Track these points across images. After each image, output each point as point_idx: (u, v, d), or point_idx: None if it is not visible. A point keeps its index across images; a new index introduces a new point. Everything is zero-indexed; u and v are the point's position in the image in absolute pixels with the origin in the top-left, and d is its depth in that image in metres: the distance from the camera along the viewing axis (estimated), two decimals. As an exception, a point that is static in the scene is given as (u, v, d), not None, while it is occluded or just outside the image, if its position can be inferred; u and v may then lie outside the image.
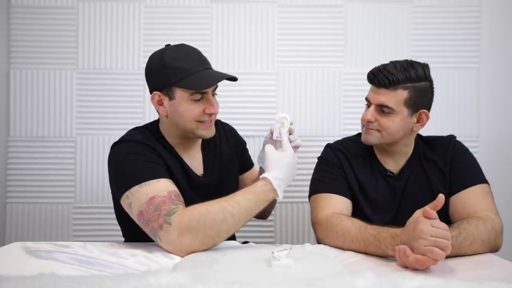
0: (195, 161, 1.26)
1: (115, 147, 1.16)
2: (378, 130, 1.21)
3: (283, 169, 1.08)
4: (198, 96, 1.13)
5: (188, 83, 1.10)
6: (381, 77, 1.16)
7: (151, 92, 1.18)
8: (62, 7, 1.83)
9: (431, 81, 1.21)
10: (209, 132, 1.19)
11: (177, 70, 1.11)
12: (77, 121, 1.84)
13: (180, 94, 1.13)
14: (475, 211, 1.12)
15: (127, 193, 1.05)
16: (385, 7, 1.86)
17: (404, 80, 1.15)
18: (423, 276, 0.73)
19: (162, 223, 0.98)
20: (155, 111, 1.81)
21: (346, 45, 1.87)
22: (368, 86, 1.25)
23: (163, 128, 1.23)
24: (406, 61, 1.19)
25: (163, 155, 1.16)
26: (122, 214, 1.13)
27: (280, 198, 1.07)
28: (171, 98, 1.14)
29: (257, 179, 1.31)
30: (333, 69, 1.87)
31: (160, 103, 1.17)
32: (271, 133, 1.24)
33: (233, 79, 1.18)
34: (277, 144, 1.25)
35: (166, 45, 1.20)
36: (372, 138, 1.22)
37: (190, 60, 1.14)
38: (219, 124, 1.38)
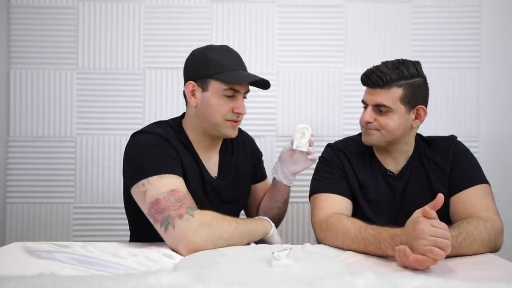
0: (211, 162, 1.26)
1: (136, 136, 1.18)
2: (378, 130, 1.21)
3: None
4: (230, 93, 1.16)
5: (226, 77, 1.15)
6: (375, 78, 1.18)
7: (185, 82, 1.21)
8: (62, 7, 1.83)
9: (424, 77, 1.22)
10: (234, 132, 1.21)
11: (217, 64, 1.16)
12: (77, 121, 1.84)
13: (214, 87, 1.16)
14: (475, 211, 1.11)
15: (144, 181, 1.06)
16: (385, 7, 1.87)
17: (397, 78, 1.17)
18: (423, 276, 0.73)
19: (183, 214, 1.00)
20: (155, 111, 1.84)
21: (346, 45, 1.87)
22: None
23: (186, 122, 1.25)
24: (397, 60, 1.21)
25: (180, 152, 1.17)
26: (132, 204, 1.14)
27: (267, 236, 1.15)
28: (204, 89, 1.17)
29: (270, 188, 1.38)
30: (333, 69, 1.87)
31: (192, 93, 1.19)
32: (292, 143, 1.24)
33: (266, 83, 1.21)
34: (295, 154, 1.26)
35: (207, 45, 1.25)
36: (373, 138, 1.23)
37: (230, 58, 1.19)
38: (238, 132, 1.38)
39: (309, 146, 1.23)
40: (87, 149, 1.84)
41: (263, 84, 1.23)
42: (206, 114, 1.18)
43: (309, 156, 1.25)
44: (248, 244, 1.10)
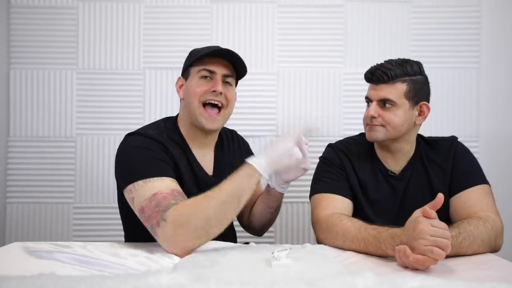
0: (206, 159, 1.26)
1: (128, 138, 1.18)
2: (383, 126, 1.21)
3: (269, 155, 1.03)
4: (205, 73, 1.18)
5: (198, 56, 1.19)
6: (380, 73, 1.19)
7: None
8: (62, 7, 1.83)
9: (426, 77, 1.24)
10: (210, 122, 1.18)
11: (196, 53, 1.22)
12: (77, 121, 1.84)
13: (192, 72, 1.21)
14: (475, 211, 1.11)
15: (131, 186, 1.06)
16: (385, 7, 1.87)
17: (402, 74, 1.19)
18: (423, 276, 0.73)
19: (159, 220, 0.97)
20: (155, 111, 1.84)
21: (346, 45, 1.87)
22: (368, 86, 1.26)
23: (179, 118, 1.27)
24: (400, 58, 1.23)
25: (174, 152, 1.16)
26: (125, 206, 1.13)
27: (266, 177, 1.03)
28: (186, 79, 1.23)
29: (264, 193, 1.36)
30: (333, 69, 1.87)
31: (180, 87, 1.26)
32: None
33: (240, 62, 1.20)
34: None
35: None
36: (378, 134, 1.22)
37: (210, 47, 1.23)
38: (234, 135, 1.41)
39: (304, 153, 1.15)
40: (87, 149, 1.84)
41: (242, 67, 1.23)
42: (188, 101, 1.21)
43: (301, 165, 1.18)
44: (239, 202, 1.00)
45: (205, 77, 1.19)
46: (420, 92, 1.21)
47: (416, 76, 1.20)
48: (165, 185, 1.04)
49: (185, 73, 1.24)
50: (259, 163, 1.02)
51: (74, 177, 1.83)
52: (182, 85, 1.25)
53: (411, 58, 1.25)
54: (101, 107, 1.84)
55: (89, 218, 1.83)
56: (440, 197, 0.91)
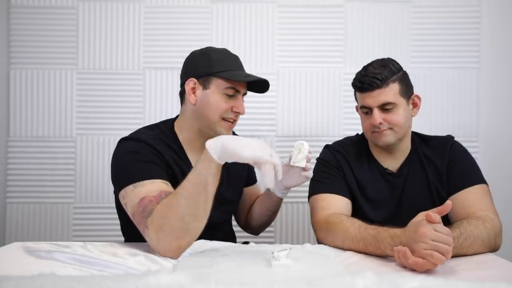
0: None
1: (121, 143, 1.17)
2: (390, 128, 1.21)
3: (226, 139, 0.95)
4: (231, 92, 1.17)
5: (229, 75, 1.16)
6: (370, 80, 1.19)
7: (185, 80, 1.19)
8: (62, 7, 1.83)
9: (404, 70, 1.26)
10: (227, 131, 1.19)
11: (220, 63, 1.17)
12: (77, 121, 1.84)
13: (216, 84, 1.16)
14: (474, 211, 1.12)
15: (123, 192, 1.05)
16: (385, 7, 1.87)
17: (390, 74, 1.20)
18: (423, 276, 0.74)
19: (144, 228, 0.98)
20: (155, 111, 1.84)
21: (346, 45, 1.87)
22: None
23: (181, 122, 1.23)
24: (378, 60, 1.24)
25: (168, 157, 1.15)
26: (122, 210, 1.13)
27: (218, 160, 0.94)
28: (205, 87, 1.17)
29: (264, 196, 1.36)
30: (333, 69, 1.87)
31: (193, 91, 1.18)
32: (290, 159, 1.22)
33: (264, 86, 1.22)
34: (292, 169, 1.23)
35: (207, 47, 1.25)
36: (388, 138, 1.22)
37: (232, 59, 1.21)
38: (232, 134, 1.38)
39: (307, 162, 1.19)
40: (87, 149, 1.84)
41: (260, 88, 1.23)
42: (204, 112, 1.17)
43: (303, 173, 1.22)
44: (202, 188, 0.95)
45: (231, 95, 1.17)
46: (408, 86, 1.24)
47: (400, 72, 1.22)
48: (154, 187, 1.02)
49: (204, 80, 1.17)
50: (211, 144, 0.95)
51: (74, 177, 1.83)
52: (194, 88, 1.18)
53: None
54: (101, 107, 1.84)
55: (89, 218, 1.83)
56: (448, 204, 0.91)
